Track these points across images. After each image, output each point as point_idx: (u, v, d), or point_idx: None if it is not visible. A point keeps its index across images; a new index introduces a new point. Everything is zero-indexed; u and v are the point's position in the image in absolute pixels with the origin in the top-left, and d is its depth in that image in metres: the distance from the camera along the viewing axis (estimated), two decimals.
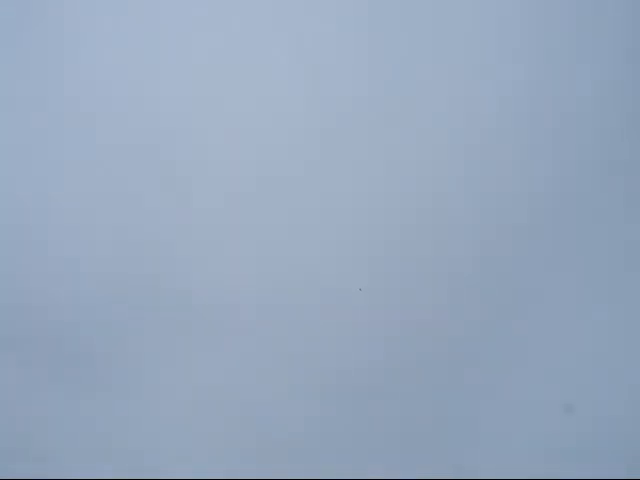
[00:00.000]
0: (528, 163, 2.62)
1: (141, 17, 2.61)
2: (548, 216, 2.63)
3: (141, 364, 2.50)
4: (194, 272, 2.52)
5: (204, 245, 2.54)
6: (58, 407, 2.49)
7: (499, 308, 2.60)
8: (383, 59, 2.61)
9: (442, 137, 2.64)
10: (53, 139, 2.57)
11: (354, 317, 2.57)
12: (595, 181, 2.62)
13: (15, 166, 2.57)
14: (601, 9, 2.63)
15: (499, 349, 2.60)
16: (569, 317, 2.60)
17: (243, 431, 2.51)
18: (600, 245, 2.61)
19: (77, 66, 2.59)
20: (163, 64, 2.59)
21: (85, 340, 2.52)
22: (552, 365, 2.58)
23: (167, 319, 2.52)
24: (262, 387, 2.51)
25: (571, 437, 2.54)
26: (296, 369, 2.52)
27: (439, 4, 2.62)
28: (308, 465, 2.48)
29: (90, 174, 2.56)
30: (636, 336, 2.58)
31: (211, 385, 2.50)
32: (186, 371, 2.49)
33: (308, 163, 2.59)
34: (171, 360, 2.51)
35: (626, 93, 2.62)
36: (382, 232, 2.58)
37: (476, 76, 2.64)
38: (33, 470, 2.44)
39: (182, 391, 2.50)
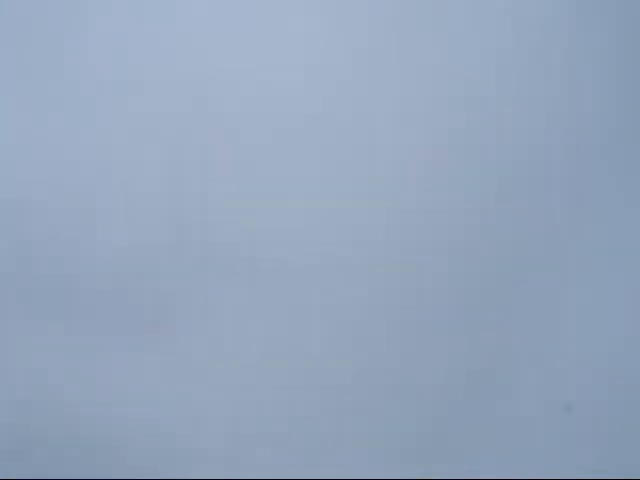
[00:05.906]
0: (529, 162, 2.63)
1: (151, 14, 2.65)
2: (548, 216, 2.64)
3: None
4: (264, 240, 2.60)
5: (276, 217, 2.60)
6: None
7: (498, 304, 2.61)
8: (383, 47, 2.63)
9: (444, 136, 2.65)
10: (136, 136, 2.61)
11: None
12: (595, 179, 2.63)
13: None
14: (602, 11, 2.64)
15: (499, 347, 2.61)
16: (568, 316, 2.61)
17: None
18: (600, 244, 2.62)
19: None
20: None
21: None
22: (552, 365, 2.59)
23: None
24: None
25: (571, 437, 2.55)
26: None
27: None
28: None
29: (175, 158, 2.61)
30: (636, 334, 2.59)
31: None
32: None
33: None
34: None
35: (626, 92, 2.63)
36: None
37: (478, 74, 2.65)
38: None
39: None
